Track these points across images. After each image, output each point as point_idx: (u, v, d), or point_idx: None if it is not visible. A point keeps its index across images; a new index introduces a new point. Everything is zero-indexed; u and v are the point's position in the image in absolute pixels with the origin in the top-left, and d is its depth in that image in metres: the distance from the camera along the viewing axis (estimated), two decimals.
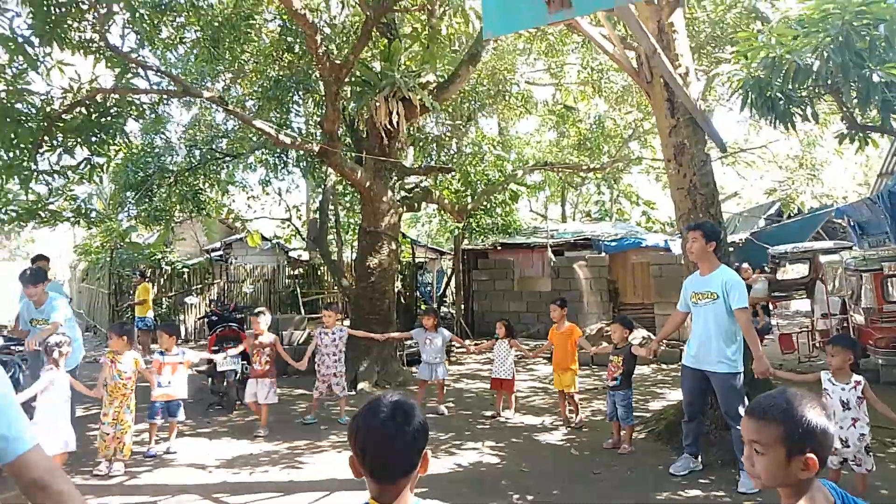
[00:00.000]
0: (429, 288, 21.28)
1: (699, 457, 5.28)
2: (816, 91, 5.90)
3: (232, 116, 11.05)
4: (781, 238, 12.17)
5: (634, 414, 7.21)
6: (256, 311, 7.51)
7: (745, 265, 9.92)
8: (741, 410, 4.62)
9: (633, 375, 6.29)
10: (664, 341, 8.16)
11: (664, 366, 10.76)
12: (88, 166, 9.61)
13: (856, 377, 4.41)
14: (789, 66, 5.14)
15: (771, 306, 12.97)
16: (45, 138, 8.85)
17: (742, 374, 4.96)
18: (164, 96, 10.32)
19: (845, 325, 9.59)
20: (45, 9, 7.18)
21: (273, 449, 6.36)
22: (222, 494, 5.00)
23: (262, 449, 6.33)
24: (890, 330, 8.43)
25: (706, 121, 5.69)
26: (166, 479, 5.51)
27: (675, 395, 7.88)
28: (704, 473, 5.15)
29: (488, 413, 7.61)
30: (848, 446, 4.33)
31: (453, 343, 8.19)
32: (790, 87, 5.47)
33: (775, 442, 1.58)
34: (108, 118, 9.16)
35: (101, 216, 14.53)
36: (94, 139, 9.13)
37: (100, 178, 9.80)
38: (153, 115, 9.75)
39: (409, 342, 10.22)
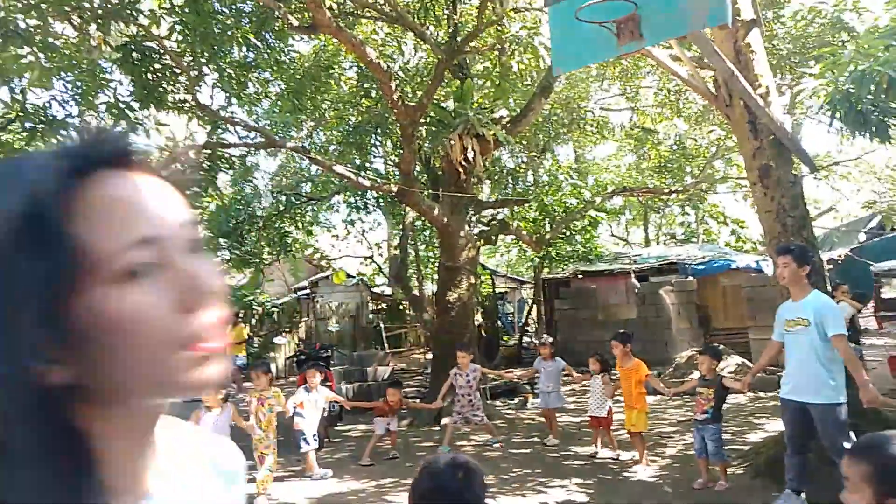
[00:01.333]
0: (510, 318, 21.20)
1: (802, 494, 4.96)
2: None
3: (314, 163, 11.51)
4: (885, 253, 11.43)
5: (732, 447, 6.91)
6: (392, 383, 8.23)
7: (845, 287, 9.35)
8: (846, 444, 4.33)
9: (727, 406, 6.00)
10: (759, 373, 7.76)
11: (762, 394, 10.22)
12: None
13: None
14: (881, 79, 4.88)
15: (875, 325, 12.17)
16: None
17: (845, 405, 4.66)
18: (252, 149, 10.95)
19: None
20: (142, 76, 7.78)
21: (360, 487, 6.46)
22: None
23: (350, 487, 6.44)
24: None
25: (793, 140, 5.47)
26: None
27: (775, 426, 7.45)
28: None
29: (588, 450, 7.39)
30: None
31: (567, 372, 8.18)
32: (883, 99, 5.20)
33: (862, 481, 1.51)
34: (203, 173, 9.77)
35: None
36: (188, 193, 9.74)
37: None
38: (242, 167, 10.30)
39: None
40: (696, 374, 7.35)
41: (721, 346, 12.73)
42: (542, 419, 9.41)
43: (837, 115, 5.53)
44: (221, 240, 13.09)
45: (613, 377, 7.22)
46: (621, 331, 7.19)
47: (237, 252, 13.96)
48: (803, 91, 6.02)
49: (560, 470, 6.66)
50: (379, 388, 10.34)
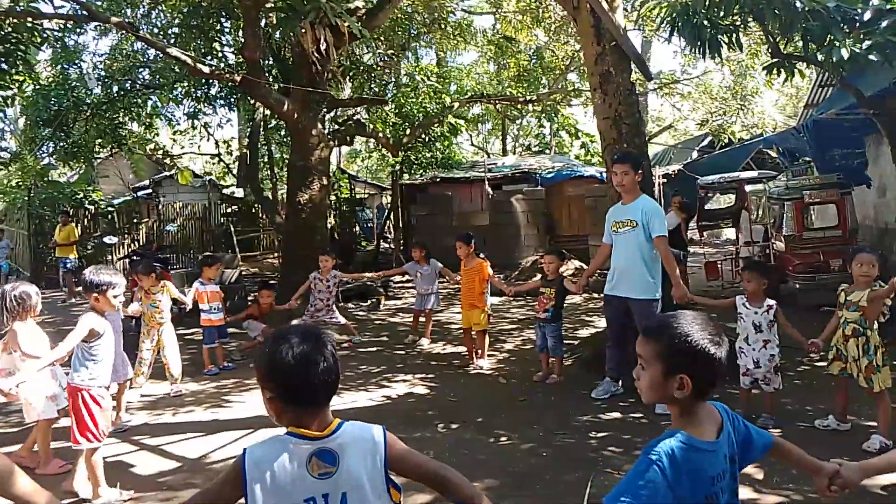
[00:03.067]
0: (370, 224, 21.11)
1: (620, 381, 5.44)
2: (742, 18, 5.87)
3: (145, 43, 10.34)
4: (712, 169, 12.42)
5: (565, 343, 7.40)
6: (265, 284, 8.24)
7: (677, 198, 10.09)
8: None
9: (565, 305, 6.36)
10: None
11: (595, 294, 11.01)
12: None
13: (769, 301, 4.57)
14: None
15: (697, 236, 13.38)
16: None
17: (660, 301, 5.08)
18: (74, 24, 9.63)
19: (767, 252, 9.95)
20: None
21: (199, 388, 6.27)
22: (142, 437, 4.90)
23: (189, 389, 6.22)
24: (808, 256, 8.77)
25: (632, 48, 5.61)
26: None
27: (604, 323, 8.08)
28: (625, 397, 5.31)
29: (408, 340, 7.82)
30: (759, 367, 4.52)
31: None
32: (716, 13, 5.43)
33: (653, 358, 1.61)
34: (8, 45, 8.47)
35: (13, 154, 13.71)
36: None
37: (2, 112, 9.13)
38: (60, 44, 9.04)
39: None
40: (538, 277, 7.71)
41: (564, 251, 13.54)
42: (394, 320, 9.61)
43: (676, 28, 5.74)
44: (41, 128, 11.69)
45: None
46: (464, 232, 7.24)
47: (62, 143, 12.58)
48: (647, 4, 6.14)
49: (405, 366, 6.83)
50: (226, 292, 9.94)
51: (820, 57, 6.23)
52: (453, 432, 4.77)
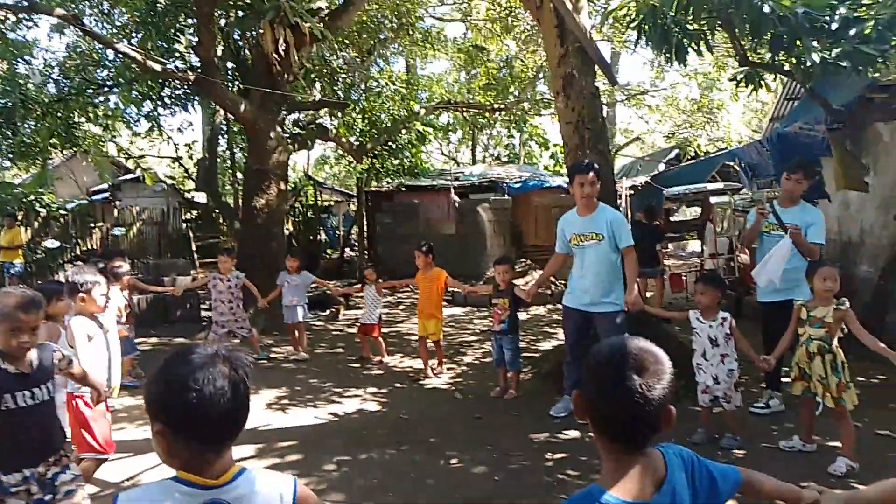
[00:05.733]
0: (336, 232, 20.73)
1: None
2: (710, 23, 5.72)
3: (91, 37, 9.87)
4: (679, 181, 12.35)
5: (524, 355, 7.17)
6: (116, 252, 7.05)
7: (640, 213, 9.99)
8: None
9: (527, 316, 6.14)
10: (550, 283, 8.01)
11: (560, 305, 10.82)
12: None
13: (722, 314, 4.40)
14: None
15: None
16: None
17: (623, 313, 4.87)
18: (21, 16, 9.18)
19: (732, 264, 9.88)
20: None
21: (134, 404, 5.86)
22: None
23: (123, 403, 5.81)
24: None
25: (596, 50, 5.42)
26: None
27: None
28: None
29: (354, 358, 7.45)
30: (718, 383, 4.32)
31: (318, 285, 7.97)
32: (683, 16, 5.26)
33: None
34: None
35: None
36: None
37: None
38: (1, 38, 8.57)
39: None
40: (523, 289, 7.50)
41: (530, 262, 13.35)
42: (352, 331, 9.27)
43: (643, 32, 5.56)
44: None
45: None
46: (423, 242, 7.05)
47: (10, 142, 11.99)
48: (613, 1, 5.96)
49: (356, 380, 6.51)
50: (176, 301, 9.52)
51: (787, 66, 6.13)
52: (402, 454, 4.46)
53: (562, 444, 4.53)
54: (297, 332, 7.63)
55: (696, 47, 5.67)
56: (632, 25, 5.72)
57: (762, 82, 6.49)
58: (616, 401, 1.30)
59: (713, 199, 11.03)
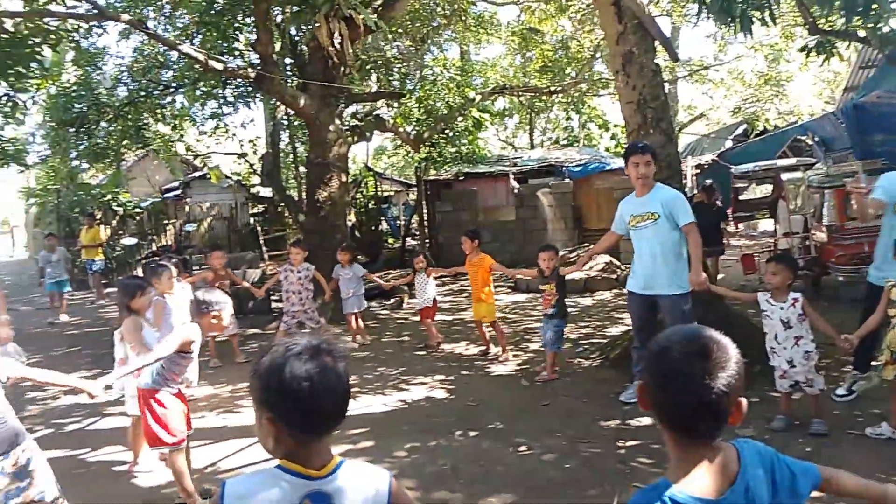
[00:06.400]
0: (397, 222, 20.93)
1: None
2: None
3: (156, 40, 10.20)
4: (747, 158, 11.91)
5: (592, 341, 7.12)
6: (213, 246, 7.31)
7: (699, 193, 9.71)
8: None
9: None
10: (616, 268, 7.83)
11: (625, 290, 10.64)
12: (11, 103, 8.93)
13: (793, 294, 4.22)
14: None
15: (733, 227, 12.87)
16: None
17: (689, 295, 4.75)
18: (91, 24, 9.56)
19: (807, 243, 9.45)
20: None
21: (214, 392, 6.10)
22: None
23: (204, 393, 6.05)
24: (851, 247, 8.27)
25: (656, 26, 5.25)
26: (99, 426, 5.27)
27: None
28: None
29: (421, 346, 7.58)
30: (794, 367, 4.16)
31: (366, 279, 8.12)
32: None
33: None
34: (27, 49, 8.40)
35: (40, 157, 13.81)
36: (10, 72, 8.40)
37: (23, 115, 9.11)
38: (74, 44, 8.97)
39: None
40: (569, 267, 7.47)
41: (592, 246, 13.13)
42: (416, 319, 9.35)
43: (704, 4, 5.35)
44: (62, 130, 11.69)
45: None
46: (470, 228, 7.32)
47: (86, 145, 12.59)
48: None
49: (423, 368, 6.57)
50: (248, 294, 9.81)
51: (862, 33, 5.81)
52: (471, 440, 4.49)
53: (633, 431, 4.45)
54: (354, 322, 7.80)
55: (761, 17, 5.42)
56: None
57: (834, 51, 6.18)
58: (679, 390, 1.26)
59: (785, 176, 10.55)
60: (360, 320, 7.91)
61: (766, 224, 17.45)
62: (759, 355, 4.37)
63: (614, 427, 4.56)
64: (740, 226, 12.97)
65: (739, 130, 17.84)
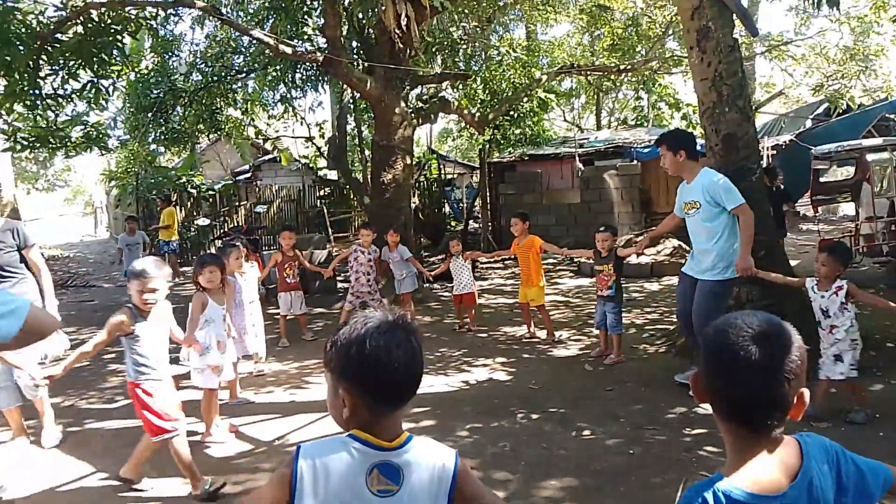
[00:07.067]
0: (460, 204, 20.96)
1: None
2: None
3: (228, 25, 10.45)
4: (829, 138, 11.30)
5: (659, 327, 6.97)
6: (284, 226, 7.49)
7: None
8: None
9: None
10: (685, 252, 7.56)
11: None
12: (94, 90, 9.34)
13: (838, 282, 4.13)
14: None
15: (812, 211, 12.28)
16: (44, 60, 8.57)
17: (727, 283, 4.71)
18: (168, 11, 9.89)
19: (893, 228, 8.92)
20: None
21: (282, 369, 6.28)
22: (221, 417, 4.90)
23: (272, 368, 6.25)
24: None
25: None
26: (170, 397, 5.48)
27: None
28: None
29: (455, 328, 7.59)
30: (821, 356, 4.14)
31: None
32: None
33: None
34: (108, 37, 8.77)
35: (121, 141, 14.45)
36: (94, 60, 8.79)
37: (105, 101, 9.52)
38: (150, 31, 9.31)
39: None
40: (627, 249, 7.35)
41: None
42: (479, 301, 9.37)
43: None
44: (141, 115, 12.18)
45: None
46: (521, 210, 7.32)
47: (162, 129, 13.09)
48: None
49: (485, 350, 6.58)
50: (315, 274, 10.02)
51: None
52: (533, 423, 4.47)
53: (700, 419, 4.32)
54: (406, 304, 7.89)
55: None
56: None
57: None
58: (737, 378, 1.20)
59: (870, 157, 9.96)
60: (408, 302, 7.98)
61: (847, 208, 16.57)
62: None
63: (679, 415, 4.45)
64: (819, 210, 12.32)
65: (821, 109, 16.90)
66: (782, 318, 1.26)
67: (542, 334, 6.93)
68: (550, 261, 12.28)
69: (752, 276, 4.60)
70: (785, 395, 1.19)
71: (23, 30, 7.98)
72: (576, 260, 11.56)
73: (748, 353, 1.18)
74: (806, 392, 1.21)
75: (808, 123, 16.13)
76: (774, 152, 14.43)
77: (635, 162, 14.60)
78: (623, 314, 6.19)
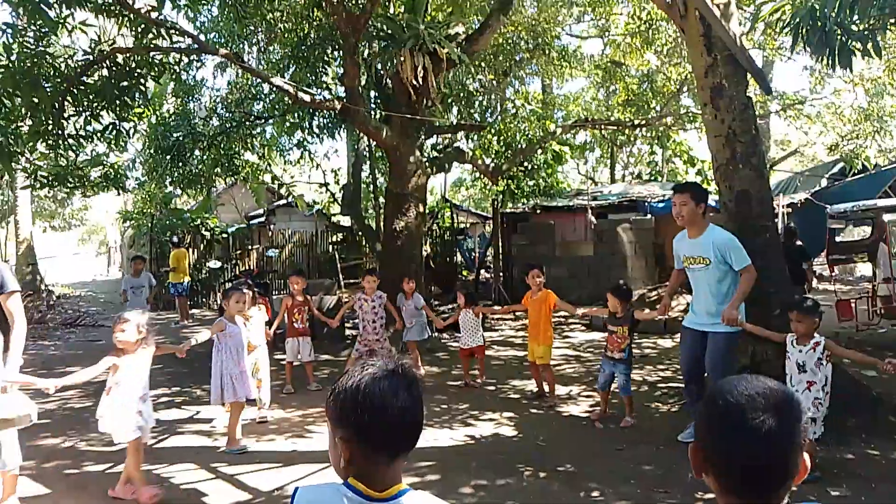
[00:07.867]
0: (472, 253, 20.95)
1: None
2: (882, 22, 5.14)
3: (249, 73, 10.71)
4: (844, 198, 11.24)
5: (671, 385, 6.82)
6: (294, 270, 7.46)
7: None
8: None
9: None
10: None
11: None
12: (115, 132, 9.52)
13: (815, 338, 4.16)
14: None
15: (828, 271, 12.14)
16: (69, 102, 8.77)
17: (736, 336, 4.68)
18: (192, 58, 10.14)
19: None
20: None
21: (285, 416, 6.16)
22: (219, 465, 4.79)
23: (273, 416, 6.13)
24: None
25: (748, 57, 5.04)
26: (168, 444, 5.39)
27: None
28: None
29: (460, 383, 7.36)
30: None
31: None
32: (847, 16, 4.77)
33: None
34: (132, 80, 8.98)
35: (139, 182, 14.66)
36: (117, 102, 8.98)
37: (125, 143, 9.69)
38: (173, 76, 9.53)
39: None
40: (647, 311, 7.25)
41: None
42: (487, 353, 9.23)
43: (801, 34, 5.11)
44: (159, 157, 12.38)
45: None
46: (533, 263, 7.08)
47: (179, 171, 13.26)
48: (766, 4, 5.52)
49: (492, 404, 6.43)
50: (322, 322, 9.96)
51: None
52: (540, 481, 4.32)
53: None
54: (411, 352, 7.78)
55: (862, 49, 5.12)
56: (787, 30, 5.28)
57: None
58: (742, 446, 1.15)
59: (887, 217, 9.87)
60: (413, 350, 7.85)
61: (863, 268, 16.37)
62: (861, 408, 4.09)
63: (693, 477, 4.28)
64: (835, 269, 12.17)
65: (836, 169, 16.92)
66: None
67: (552, 399, 6.62)
68: (562, 313, 12.15)
69: (738, 326, 4.61)
70: (797, 462, 1.15)
71: (51, 72, 8.18)
72: (588, 316, 11.42)
73: (762, 422, 1.13)
74: (807, 457, 1.18)
75: (824, 182, 16.10)
76: (790, 210, 14.37)
77: (649, 216, 14.57)
78: (634, 369, 6.06)
